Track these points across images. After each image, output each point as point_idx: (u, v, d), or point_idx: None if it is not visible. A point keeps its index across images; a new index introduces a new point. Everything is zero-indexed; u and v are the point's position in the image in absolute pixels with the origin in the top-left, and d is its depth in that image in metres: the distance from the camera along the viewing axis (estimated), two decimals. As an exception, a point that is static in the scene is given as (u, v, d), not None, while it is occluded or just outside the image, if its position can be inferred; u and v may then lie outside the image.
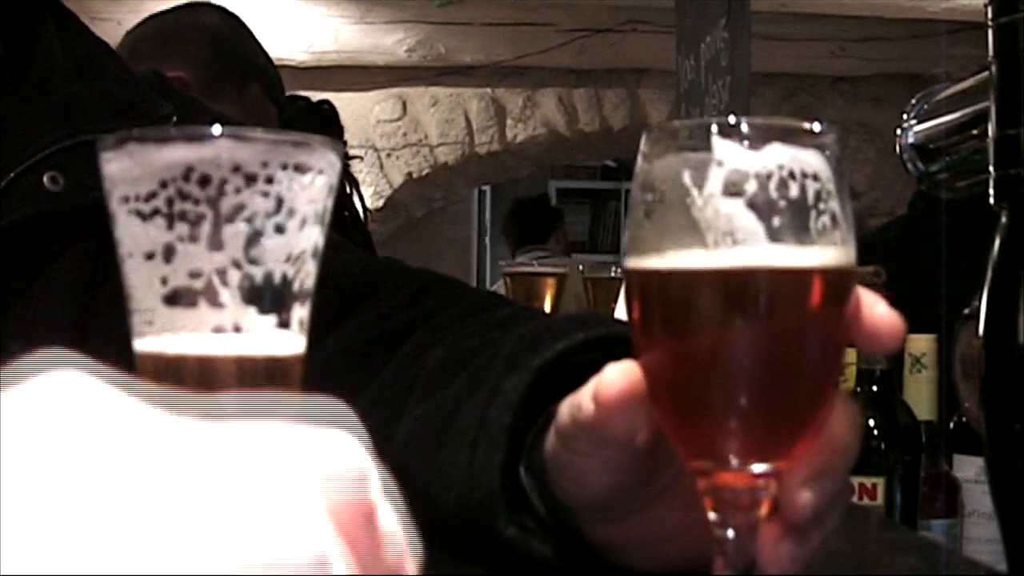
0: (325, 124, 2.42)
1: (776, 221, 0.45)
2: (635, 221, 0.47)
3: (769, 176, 0.45)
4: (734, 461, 0.46)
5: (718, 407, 0.46)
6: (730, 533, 0.47)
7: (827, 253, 0.45)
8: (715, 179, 0.45)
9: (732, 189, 0.45)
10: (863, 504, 1.26)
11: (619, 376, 0.50)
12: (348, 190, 2.49)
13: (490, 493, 0.59)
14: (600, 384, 0.51)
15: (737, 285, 0.45)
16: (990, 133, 0.66)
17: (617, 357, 0.51)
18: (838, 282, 0.46)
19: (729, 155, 0.45)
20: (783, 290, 0.45)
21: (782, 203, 0.45)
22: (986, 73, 0.67)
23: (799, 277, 0.45)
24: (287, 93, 2.54)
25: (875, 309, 0.49)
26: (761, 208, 0.45)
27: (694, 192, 0.45)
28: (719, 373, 0.46)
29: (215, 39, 1.98)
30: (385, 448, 0.68)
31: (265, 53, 2.07)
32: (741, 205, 0.45)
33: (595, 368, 0.52)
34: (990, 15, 0.66)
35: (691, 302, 0.46)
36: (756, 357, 0.45)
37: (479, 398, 0.61)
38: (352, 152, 2.66)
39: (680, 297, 0.46)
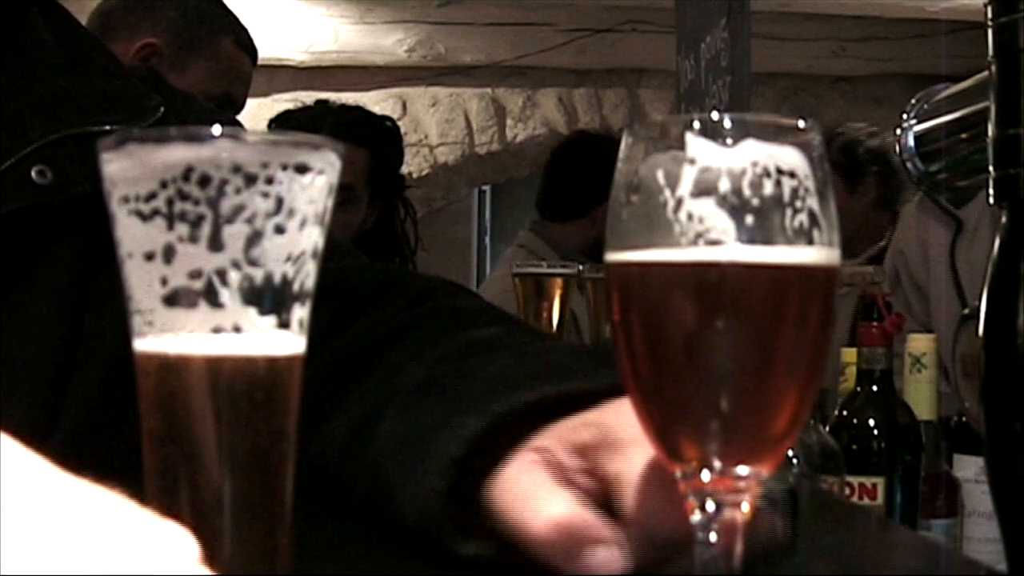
0: (387, 140, 2.41)
1: (749, 219, 0.44)
2: (614, 218, 0.47)
3: (742, 174, 0.44)
4: (715, 463, 0.46)
5: (694, 407, 0.46)
6: (712, 536, 0.46)
7: (802, 252, 0.45)
8: (687, 178, 0.44)
9: (703, 188, 0.44)
10: (863, 504, 1.26)
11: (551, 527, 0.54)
12: (403, 215, 2.47)
13: (439, 521, 0.60)
14: (530, 529, 0.55)
15: (704, 283, 0.44)
16: (990, 133, 0.66)
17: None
18: (815, 281, 0.45)
19: (701, 153, 0.44)
20: (753, 288, 0.44)
21: (755, 201, 0.44)
22: (986, 73, 0.67)
23: (769, 275, 0.44)
24: (337, 102, 2.54)
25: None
26: (733, 206, 0.44)
27: (667, 192, 0.45)
28: (690, 372, 0.45)
29: (180, 1, 1.99)
30: (366, 455, 0.69)
31: (229, 9, 2.08)
32: (712, 204, 0.44)
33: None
34: (990, 15, 0.66)
35: (662, 301, 0.45)
36: (727, 356, 0.45)
37: (445, 429, 0.62)
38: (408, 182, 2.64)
39: (652, 296, 0.46)
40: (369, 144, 2.30)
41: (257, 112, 2.49)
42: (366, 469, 0.67)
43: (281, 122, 2.42)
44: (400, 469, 0.63)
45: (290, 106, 2.66)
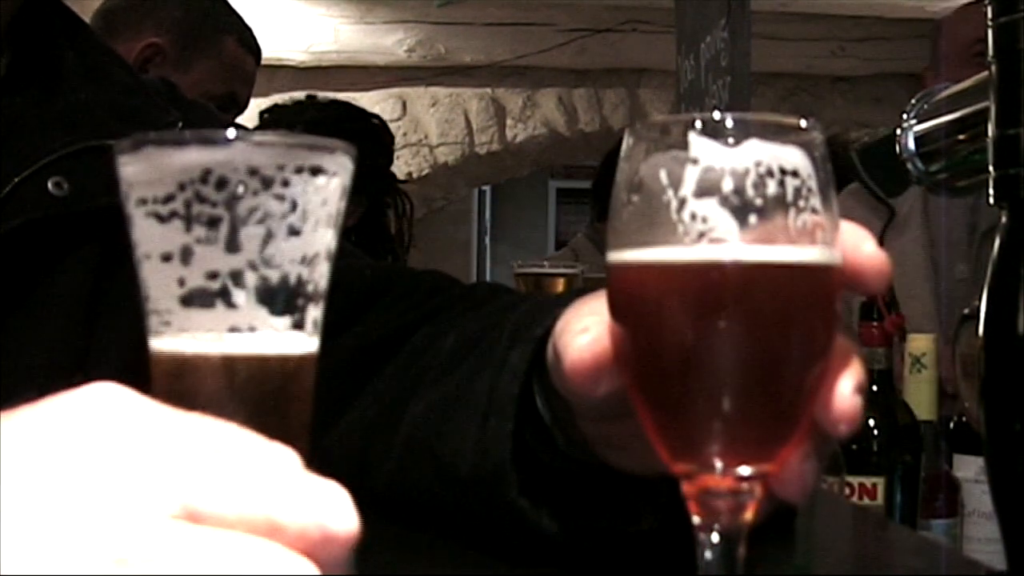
0: (372, 137, 2.40)
1: (752, 219, 0.44)
2: (616, 218, 0.47)
3: (745, 173, 0.44)
4: (718, 464, 0.46)
5: (697, 407, 0.45)
6: (715, 537, 0.46)
7: (806, 251, 0.45)
8: (690, 178, 0.44)
9: (706, 188, 0.44)
10: (863, 504, 1.26)
11: (588, 348, 0.52)
12: (402, 210, 2.46)
13: (502, 462, 0.61)
14: (570, 353, 0.53)
15: (707, 283, 0.44)
16: (990, 133, 0.66)
17: None
18: (818, 280, 0.45)
19: (704, 153, 0.44)
20: (755, 288, 0.44)
21: (758, 201, 0.44)
22: (986, 73, 0.68)
23: (772, 274, 0.44)
24: (322, 96, 2.52)
25: (860, 249, 0.48)
26: (736, 206, 0.44)
27: (670, 192, 0.45)
28: (692, 372, 0.45)
29: (184, 0, 1.99)
30: (397, 430, 0.70)
31: (233, 9, 2.08)
32: (715, 204, 0.44)
33: None
34: (990, 15, 0.67)
35: (664, 300, 0.45)
36: (730, 356, 0.44)
37: (488, 373, 0.63)
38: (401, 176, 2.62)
39: (655, 295, 0.46)
40: (352, 140, 2.28)
41: (257, 111, 2.49)
42: (399, 441, 0.68)
43: (271, 115, 2.41)
44: (449, 426, 0.65)
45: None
